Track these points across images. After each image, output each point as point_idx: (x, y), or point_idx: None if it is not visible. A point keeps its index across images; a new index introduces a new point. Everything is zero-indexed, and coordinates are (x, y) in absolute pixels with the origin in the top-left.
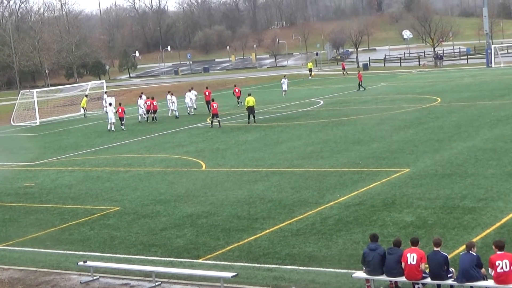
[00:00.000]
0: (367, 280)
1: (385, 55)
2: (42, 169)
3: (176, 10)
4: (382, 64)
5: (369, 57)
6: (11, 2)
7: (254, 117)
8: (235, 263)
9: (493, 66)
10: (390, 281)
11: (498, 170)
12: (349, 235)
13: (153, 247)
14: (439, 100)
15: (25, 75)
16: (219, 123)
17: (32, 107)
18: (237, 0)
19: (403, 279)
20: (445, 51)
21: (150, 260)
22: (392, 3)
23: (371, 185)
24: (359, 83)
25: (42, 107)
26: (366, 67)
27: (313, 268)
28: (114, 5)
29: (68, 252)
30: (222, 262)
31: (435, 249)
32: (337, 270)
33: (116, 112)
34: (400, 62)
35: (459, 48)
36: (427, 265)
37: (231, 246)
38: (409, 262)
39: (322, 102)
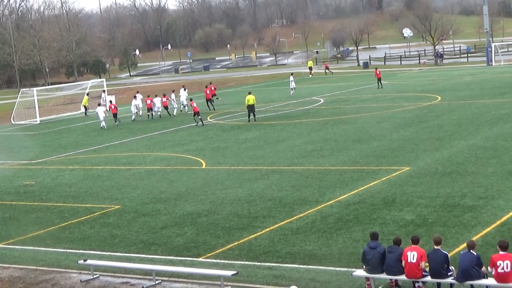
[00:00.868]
0: (367, 279)
1: (385, 54)
2: (42, 168)
3: (177, 9)
4: (383, 63)
5: (369, 56)
6: (12, 1)
7: (254, 116)
8: (235, 262)
9: (493, 64)
10: (390, 280)
11: (498, 168)
12: (349, 234)
13: (153, 246)
14: (439, 98)
15: (25, 73)
16: (202, 121)
17: (32, 105)
18: None
19: (403, 277)
20: (445, 49)
21: (150, 259)
22: (392, 1)
23: (371, 184)
24: (378, 80)
25: (42, 106)
26: (366, 65)
27: (313, 267)
28: (114, 4)
29: (68, 250)
30: (223, 261)
31: (435, 247)
32: (337, 269)
33: (109, 109)
34: (400, 61)
35: (460, 46)
36: (427, 264)
37: (232, 245)
38: (409, 261)
39: (322, 101)
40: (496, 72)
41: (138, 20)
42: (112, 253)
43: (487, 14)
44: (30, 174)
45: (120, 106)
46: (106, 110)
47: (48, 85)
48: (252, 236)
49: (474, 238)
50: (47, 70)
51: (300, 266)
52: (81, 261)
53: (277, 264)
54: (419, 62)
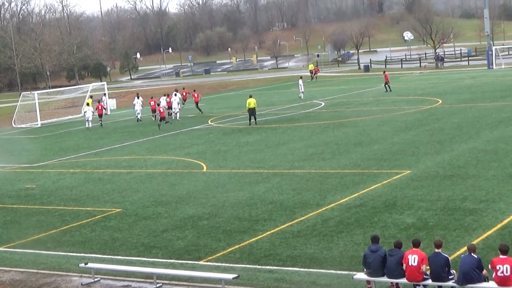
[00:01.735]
0: (368, 282)
1: (386, 57)
2: (43, 171)
3: (177, 12)
4: (383, 66)
5: (370, 59)
6: (13, 4)
7: (255, 119)
8: (236, 265)
9: (494, 67)
10: (391, 283)
11: (499, 171)
12: (350, 237)
13: (154, 249)
14: (440, 101)
15: (26, 77)
16: (159, 126)
17: (33, 109)
18: (238, 2)
19: (404, 280)
20: (446, 53)
21: (151, 262)
22: (393, 4)
23: (372, 187)
24: (386, 84)
25: (43, 109)
26: (367, 68)
27: (314, 270)
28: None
29: (69, 254)
30: (223, 264)
31: (436, 250)
32: (338, 272)
33: (95, 109)
34: (401, 64)
35: (460, 50)
36: (428, 267)
37: (232, 248)
38: (410, 264)
39: (323, 104)
40: (497, 75)
41: (139, 24)
42: (113, 257)
43: (488, 17)
44: (31, 177)
45: (120, 110)
46: (94, 110)
47: (49, 88)
48: (253, 239)
49: (475, 242)
50: (48, 73)
51: (301, 269)
52: (82, 265)
53: (278, 268)
54: (420, 65)
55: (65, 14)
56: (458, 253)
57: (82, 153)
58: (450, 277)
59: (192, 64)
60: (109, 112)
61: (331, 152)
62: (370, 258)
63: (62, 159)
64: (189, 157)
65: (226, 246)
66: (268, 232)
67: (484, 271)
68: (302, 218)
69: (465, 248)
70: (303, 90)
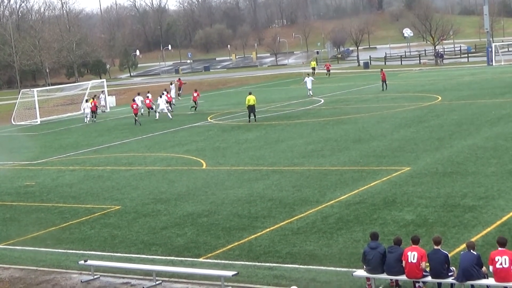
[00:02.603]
0: (368, 279)
1: (385, 54)
2: (42, 168)
3: (177, 9)
4: (383, 63)
5: (369, 56)
6: (12, 1)
7: (254, 116)
8: (236, 262)
9: (493, 64)
10: (391, 280)
11: (498, 168)
12: (349, 234)
13: (154, 246)
14: (440, 98)
15: (25, 74)
16: (136, 121)
17: (33, 106)
18: None
19: (403, 277)
20: (445, 50)
21: (151, 259)
22: (392, 1)
23: (372, 184)
24: (383, 81)
25: (43, 106)
26: (366, 65)
27: (314, 267)
28: (114, 4)
29: (68, 251)
30: (223, 261)
31: (436, 247)
32: (338, 269)
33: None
34: (401, 61)
35: (460, 46)
36: (427, 264)
37: (232, 245)
38: (409, 261)
39: (322, 101)
40: (497, 72)
41: (138, 21)
42: (112, 254)
43: (488, 14)
44: (31, 174)
45: (120, 107)
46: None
47: (49, 85)
48: (253, 236)
49: (474, 238)
50: (47, 70)
51: (301, 266)
52: (82, 262)
53: (277, 264)
54: (420, 62)
55: (64, 11)
56: (457, 250)
57: (82, 150)
58: (449, 274)
59: (191, 61)
60: (108, 109)
61: (331, 149)
62: (370, 255)
63: (62, 156)
64: (189, 154)
65: (225, 243)
66: (268, 229)
67: (484, 268)
68: (302, 215)
69: (464, 245)
70: (310, 87)
